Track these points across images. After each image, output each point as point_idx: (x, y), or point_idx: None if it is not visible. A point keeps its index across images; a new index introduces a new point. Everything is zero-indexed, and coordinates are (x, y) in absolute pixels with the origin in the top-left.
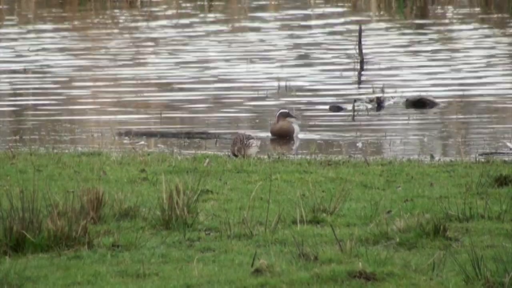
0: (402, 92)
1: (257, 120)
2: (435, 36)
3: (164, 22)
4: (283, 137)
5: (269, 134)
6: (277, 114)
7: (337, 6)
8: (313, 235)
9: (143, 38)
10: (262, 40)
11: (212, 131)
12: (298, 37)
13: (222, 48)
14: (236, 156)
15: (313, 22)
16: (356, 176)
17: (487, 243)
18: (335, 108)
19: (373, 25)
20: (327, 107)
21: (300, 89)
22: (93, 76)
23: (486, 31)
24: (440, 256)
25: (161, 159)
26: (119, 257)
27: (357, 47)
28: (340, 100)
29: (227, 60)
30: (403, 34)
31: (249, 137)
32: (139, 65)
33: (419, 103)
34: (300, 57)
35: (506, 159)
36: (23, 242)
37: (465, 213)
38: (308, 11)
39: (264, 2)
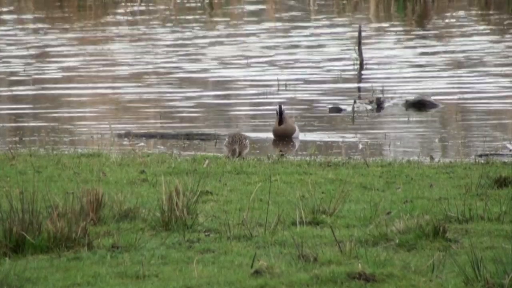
0: (402, 93)
1: (256, 122)
2: (435, 37)
3: (163, 23)
4: (284, 138)
5: (268, 136)
6: (278, 109)
7: (337, 7)
8: (313, 237)
9: (142, 38)
10: (261, 41)
11: (211, 132)
12: (298, 38)
13: (222, 49)
14: (233, 155)
15: (312, 23)
16: (356, 178)
17: (486, 245)
18: (335, 109)
19: (372, 26)
20: (327, 108)
21: (300, 90)
22: (93, 76)
23: (486, 32)
24: (439, 257)
25: (161, 160)
26: (119, 258)
27: (356, 48)
28: (340, 101)
29: (227, 62)
30: (403, 35)
31: (245, 138)
32: (138, 65)
33: (419, 104)
34: (300, 58)
35: (506, 160)
36: (23, 243)
37: (465, 214)
38: (308, 12)
39: (263, 6)
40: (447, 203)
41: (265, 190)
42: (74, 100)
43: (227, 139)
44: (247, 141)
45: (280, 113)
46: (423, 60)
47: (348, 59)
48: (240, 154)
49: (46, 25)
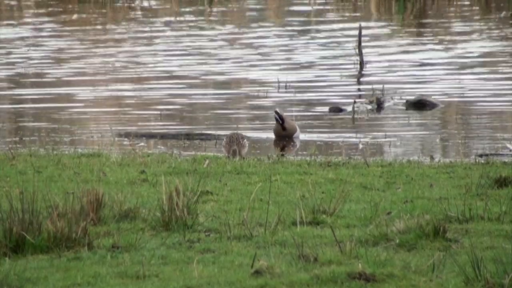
0: (402, 93)
1: (257, 121)
2: (435, 37)
3: (163, 22)
4: (284, 137)
5: (268, 136)
6: (276, 116)
7: (337, 7)
8: (313, 236)
9: (142, 38)
10: (261, 41)
11: (211, 132)
12: (298, 38)
13: (222, 49)
14: (233, 156)
15: (312, 24)
16: (356, 178)
17: (487, 244)
18: (335, 109)
19: (373, 26)
20: (327, 108)
21: (300, 90)
22: (93, 76)
23: (486, 32)
24: (440, 257)
25: (161, 160)
26: (119, 258)
27: (357, 48)
28: (340, 101)
29: (227, 62)
30: (403, 35)
31: (243, 137)
32: (138, 65)
33: (419, 104)
34: (300, 58)
35: (506, 160)
36: (23, 243)
37: (465, 214)
38: (308, 12)
39: (263, 7)
40: (447, 203)
41: (265, 190)
42: (74, 100)
43: (224, 139)
44: (245, 140)
45: (281, 119)
46: (423, 60)
47: (348, 59)
48: (239, 153)
49: (46, 22)
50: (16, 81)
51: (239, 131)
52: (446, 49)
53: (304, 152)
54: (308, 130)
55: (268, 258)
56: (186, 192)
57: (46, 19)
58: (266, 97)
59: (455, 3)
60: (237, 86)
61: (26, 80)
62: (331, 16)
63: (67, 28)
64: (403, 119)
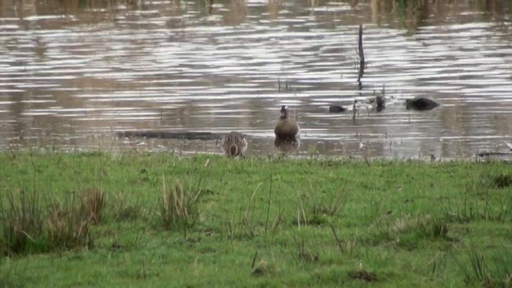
0: (403, 92)
1: (257, 121)
2: (435, 36)
3: (163, 21)
4: (285, 136)
5: (269, 135)
6: (284, 109)
7: (338, 6)
8: (314, 236)
9: (142, 37)
10: (262, 40)
11: (212, 131)
12: (299, 37)
13: (222, 48)
14: (232, 154)
15: (313, 23)
16: (357, 177)
17: (487, 244)
18: (336, 108)
19: (373, 25)
20: (327, 107)
21: (300, 89)
22: (94, 75)
23: (487, 31)
24: (440, 256)
25: (162, 159)
26: (120, 257)
27: (357, 47)
28: (340, 101)
29: (228, 61)
30: (404, 34)
31: (242, 136)
32: (139, 65)
33: (420, 104)
34: (301, 57)
35: (507, 159)
36: (24, 242)
37: (466, 213)
38: (309, 11)
39: (264, 5)
40: (448, 202)
41: (266, 189)
42: (75, 98)
43: (223, 138)
44: (244, 139)
45: (285, 114)
46: (424, 59)
47: (349, 58)
48: (239, 152)
49: (47, 22)
50: (17, 79)
51: (238, 130)
52: (447, 48)
53: (305, 151)
54: (309, 129)
55: (269, 257)
56: (186, 191)
57: (45, 14)
58: (267, 96)
59: (455, 2)
60: (238, 85)
61: (27, 78)
62: (331, 15)
63: (66, 26)
64: (404, 119)
